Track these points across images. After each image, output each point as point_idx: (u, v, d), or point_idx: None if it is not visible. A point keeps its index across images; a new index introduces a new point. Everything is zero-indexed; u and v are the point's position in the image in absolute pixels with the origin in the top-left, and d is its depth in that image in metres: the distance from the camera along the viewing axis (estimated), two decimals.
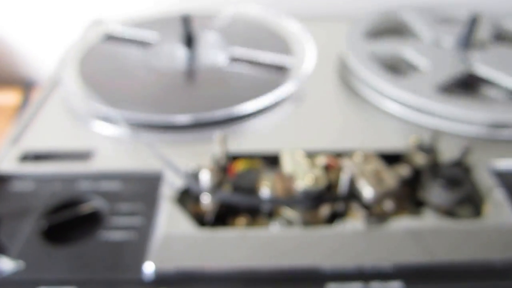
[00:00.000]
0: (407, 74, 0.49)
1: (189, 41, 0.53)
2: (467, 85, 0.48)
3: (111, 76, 0.49)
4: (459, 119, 0.42)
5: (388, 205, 0.33)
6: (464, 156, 0.36)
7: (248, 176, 0.34)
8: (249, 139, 0.42)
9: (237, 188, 0.34)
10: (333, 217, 0.34)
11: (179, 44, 0.54)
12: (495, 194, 0.35)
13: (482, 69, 0.48)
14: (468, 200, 0.35)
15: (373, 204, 0.33)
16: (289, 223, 0.33)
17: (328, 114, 0.46)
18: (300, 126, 0.44)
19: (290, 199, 0.33)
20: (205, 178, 0.33)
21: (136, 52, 0.54)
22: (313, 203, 0.32)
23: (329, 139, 0.42)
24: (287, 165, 0.35)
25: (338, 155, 0.38)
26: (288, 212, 0.34)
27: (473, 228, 0.32)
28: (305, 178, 0.33)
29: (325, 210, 0.34)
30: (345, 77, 0.51)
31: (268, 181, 0.33)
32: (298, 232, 0.32)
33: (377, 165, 0.34)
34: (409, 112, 0.44)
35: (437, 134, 0.36)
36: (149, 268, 0.30)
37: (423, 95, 0.43)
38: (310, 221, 0.33)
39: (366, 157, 0.34)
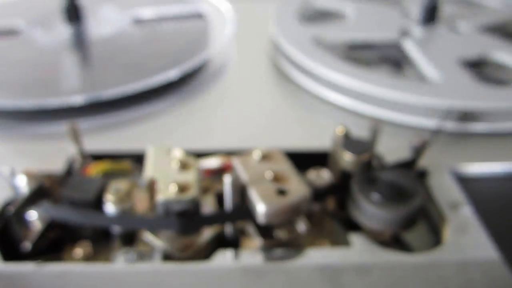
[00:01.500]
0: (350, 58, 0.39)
1: (74, 14, 0.42)
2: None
3: None
4: (414, 109, 0.31)
5: (300, 228, 0.22)
6: (418, 155, 0.25)
7: (89, 184, 0.23)
8: (127, 133, 0.31)
9: (70, 202, 0.22)
10: (219, 246, 0.23)
11: (62, 19, 0.43)
12: (461, 212, 0.24)
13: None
14: (420, 222, 0.24)
15: (273, 226, 0.21)
16: (148, 255, 0.22)
17: (251, 103, 0.35)
18: (212, 118, 0.33)
19: (143, 218, 0.21)
20: (21, 185, 0.22)
21: (15, 29, 0.43)
22: (181, 224, 0.21)
23: (243, 135, 0.31)
24: (149, 168, 0.23)
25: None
26: (152, 239, 0.22)
27: (427, 264, 0.21)
28: (167, 187, 0.21)
29: (205, 235, 0.22)
30: (277, 61, 0.40)
31: (116, 192, 0.22)
32: (153, 270, 0.21)
33: (281, 168, 0.22)
34: (354, 102, 0.33)
35: (378, 124, 0.25)
36: None
37: (370, 81, 0.32)
38: (181, 252, 0.22)
39: (267, 156, 0.23)
